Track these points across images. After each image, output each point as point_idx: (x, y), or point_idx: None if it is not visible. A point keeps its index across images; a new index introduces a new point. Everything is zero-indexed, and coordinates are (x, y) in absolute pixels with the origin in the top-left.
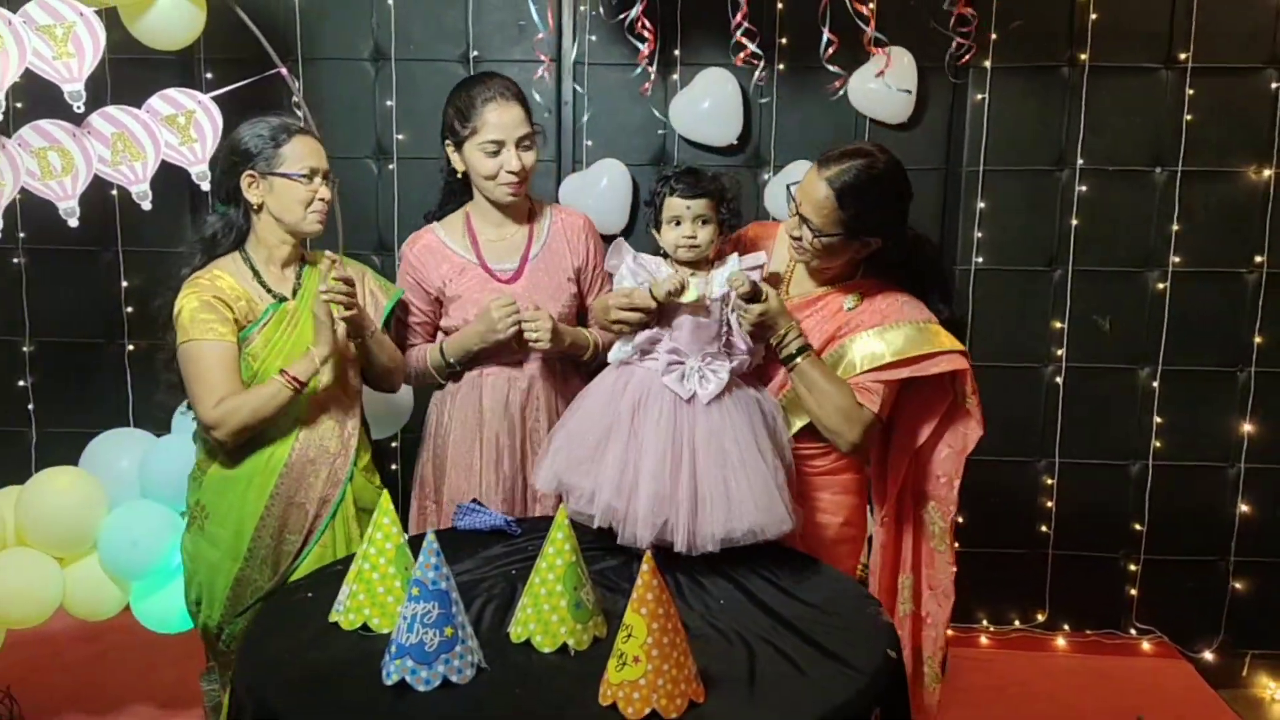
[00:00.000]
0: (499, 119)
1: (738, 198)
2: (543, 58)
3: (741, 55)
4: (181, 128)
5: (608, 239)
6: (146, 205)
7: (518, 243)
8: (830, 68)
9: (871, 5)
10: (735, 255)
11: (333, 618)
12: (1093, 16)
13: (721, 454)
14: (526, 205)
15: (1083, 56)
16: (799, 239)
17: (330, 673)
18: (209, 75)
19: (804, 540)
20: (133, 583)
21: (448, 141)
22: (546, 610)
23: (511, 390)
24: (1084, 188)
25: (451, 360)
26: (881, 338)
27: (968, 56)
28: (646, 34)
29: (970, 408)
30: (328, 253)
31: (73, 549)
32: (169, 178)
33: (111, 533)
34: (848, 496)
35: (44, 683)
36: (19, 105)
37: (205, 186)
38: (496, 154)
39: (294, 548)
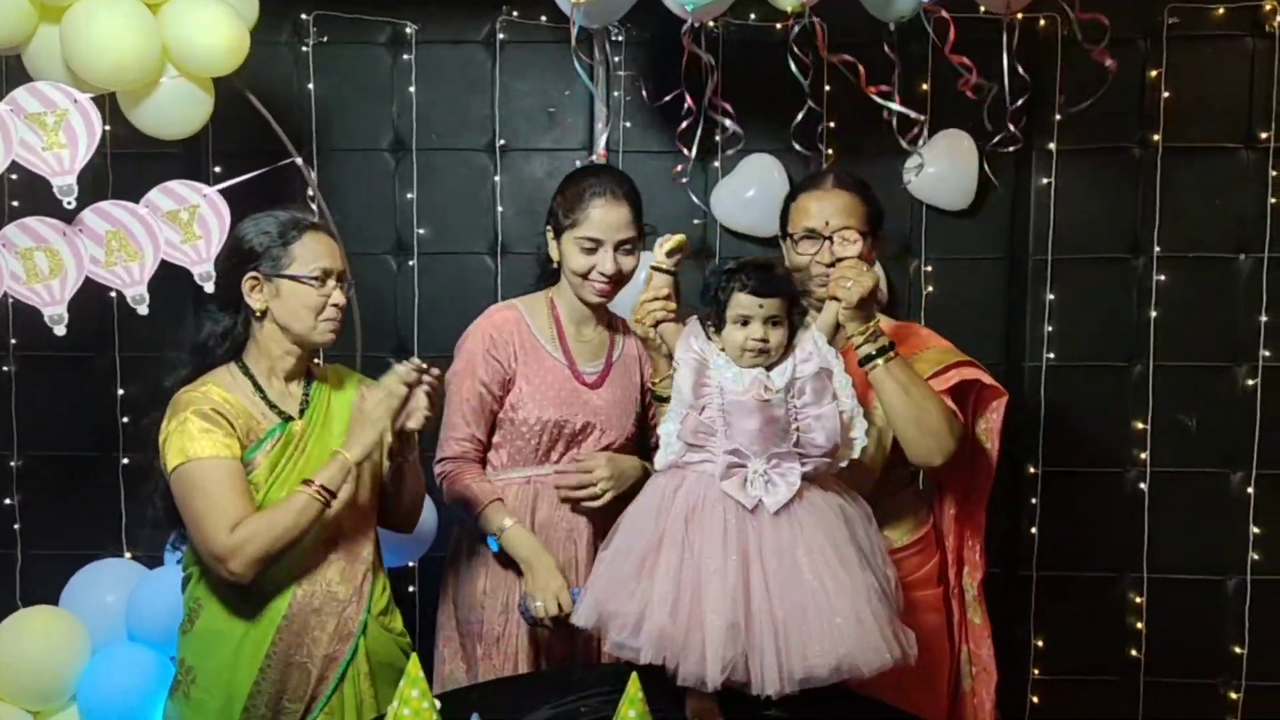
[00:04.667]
0: (603, 217)
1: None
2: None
3: (799, 144)
4: (184, 224)
5: None
6: (143, 310)
7: (600, 344)
8: (910, 148)
9: (925, 87)
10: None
11: None
12: (1165, 94)
13: (796, 572)
14: (607, 310)
15: (1155, 137)
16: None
17: None
18: (218, 169)
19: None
20: None
21: (549, 227)
22: None
23: (567, 541)
24: (1163, 276)
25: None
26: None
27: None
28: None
29: (987, 445)
30: None
31: (49, 702)
32: (171, 276)
33: (92, 683)
34: (930, 615)
35: None
36: (15, 204)
37: (209, 288)
38: (592, 252)
39: (294, 718)
